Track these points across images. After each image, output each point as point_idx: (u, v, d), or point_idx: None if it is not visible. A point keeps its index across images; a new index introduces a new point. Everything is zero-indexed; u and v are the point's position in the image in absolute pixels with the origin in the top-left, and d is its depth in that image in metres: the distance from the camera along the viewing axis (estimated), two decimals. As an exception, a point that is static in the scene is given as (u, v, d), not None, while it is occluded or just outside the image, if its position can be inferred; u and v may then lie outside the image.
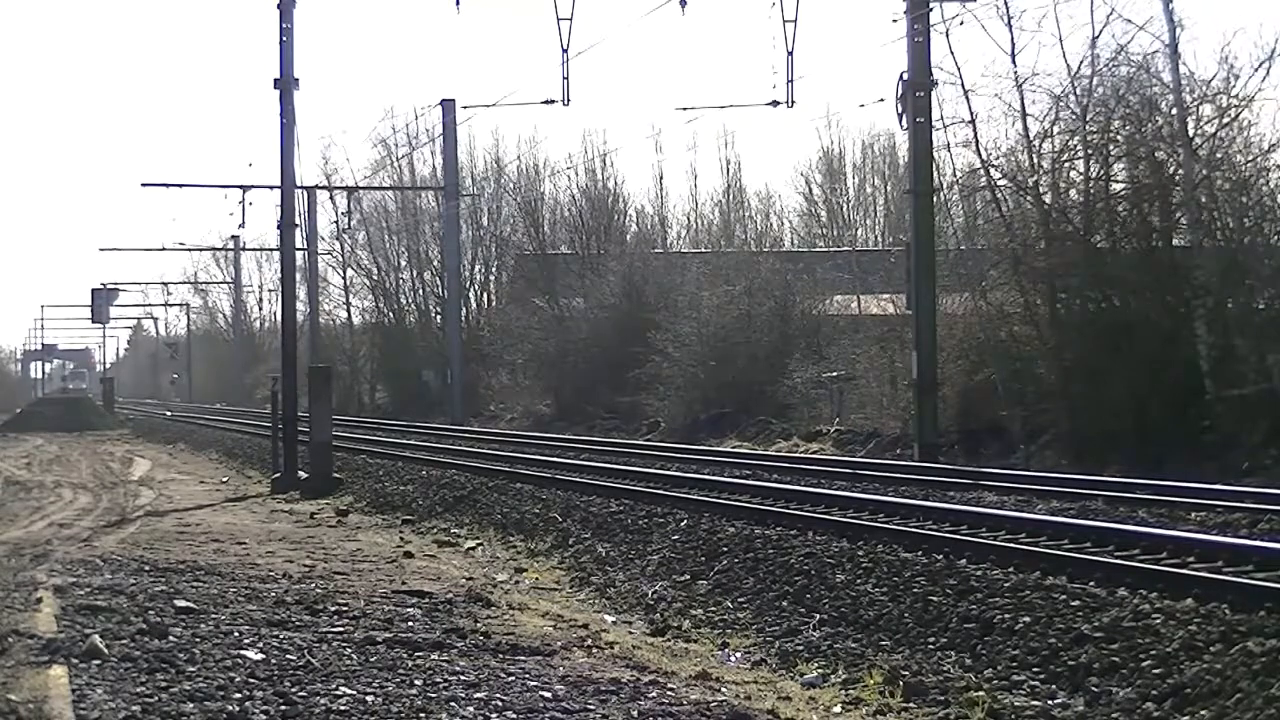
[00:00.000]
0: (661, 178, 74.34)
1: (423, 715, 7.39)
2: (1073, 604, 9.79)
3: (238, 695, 7.49)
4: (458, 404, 46.69)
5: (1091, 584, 10.24)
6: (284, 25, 25.97)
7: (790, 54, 25.90)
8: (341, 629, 9.91)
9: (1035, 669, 9.07)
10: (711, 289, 37.27)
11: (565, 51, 28.13)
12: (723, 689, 8.95)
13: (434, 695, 7.85)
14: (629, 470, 22.02)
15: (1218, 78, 22.35)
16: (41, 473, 30.65)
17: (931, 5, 24.01)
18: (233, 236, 73.54)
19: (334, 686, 7.88)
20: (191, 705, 7.21)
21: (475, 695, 7.92)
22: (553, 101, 31.34)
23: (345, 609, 10.87)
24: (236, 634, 9.38)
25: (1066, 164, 23.96)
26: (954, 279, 27.07)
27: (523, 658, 9.28)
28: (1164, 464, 19.46)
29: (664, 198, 60.71)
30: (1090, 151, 23.43)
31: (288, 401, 26.19)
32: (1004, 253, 25.13)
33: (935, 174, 25.47)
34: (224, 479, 28.69)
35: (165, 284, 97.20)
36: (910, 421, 24.95)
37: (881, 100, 29.90)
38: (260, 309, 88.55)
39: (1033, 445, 23.23)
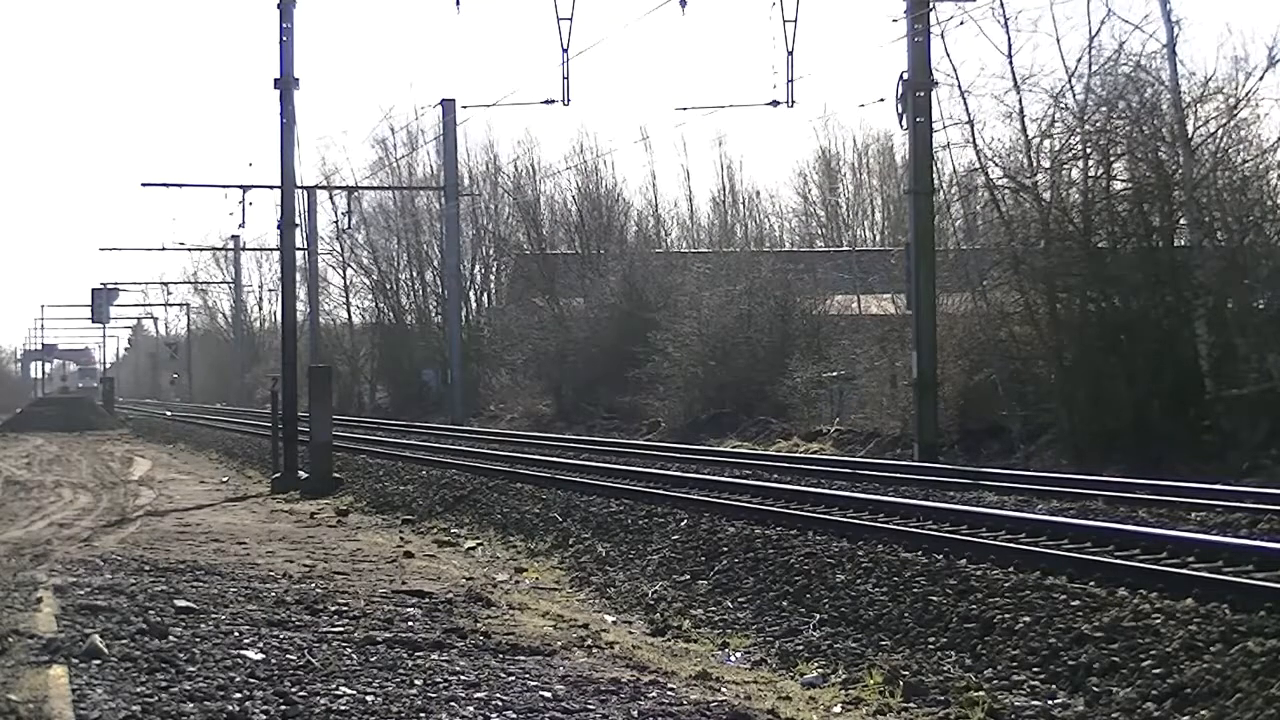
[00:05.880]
0: (657, 178, 74.45)
1: (423, 715, 7.39)
2: (1073, 604, 9.78)
3: (238, 695, 7.49)
4: (458, 404, 46.68)
5: (1091, 584, 10.23)
6: (284, 25, 25.98)
7: (790, 54, 25.96)
8: (341, 629, 9.91)
9: (1035, 669, 9.07)
10: (712, 289, 37.28)
11: (565, 51, 28.20)
12: (723, 689, 8.95)
13: (434, 695, 7.85)
14: (629, 470, 22.01)
15: (1221, 76, 22.41)
16: (41, 472, 30.64)
17: (931, 5, 24.00)
18: (233, 236, 73.66)
19: (334, 686, 7.88)
20: (191, 705, 7.20)
21: (475, 695, 7.92)
22: (553, 101, 31.46)
23: (345, 609, 10.87)
24: (236, 634, 9.38)
25: (1066, 164, 23.98)
26: (954, 279, 27.07)
27: (523, 658, 9.28)
28: (1164, 464, 19.44)
29: (657, 198, 60.78)
30: (1089, 151, 23.43)
31: (288, 401, 26.20)
32: (1004, 253, 25.13)
33: (935, 174, 25.47)
34: (224, 479, 28.68)
35: (165, 284, 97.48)
36: (910, 421, 24.94)
37: (881, 100, 30.01)
38: (260, 309, 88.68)
39: (1033, 445, 23.23)
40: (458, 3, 27.80)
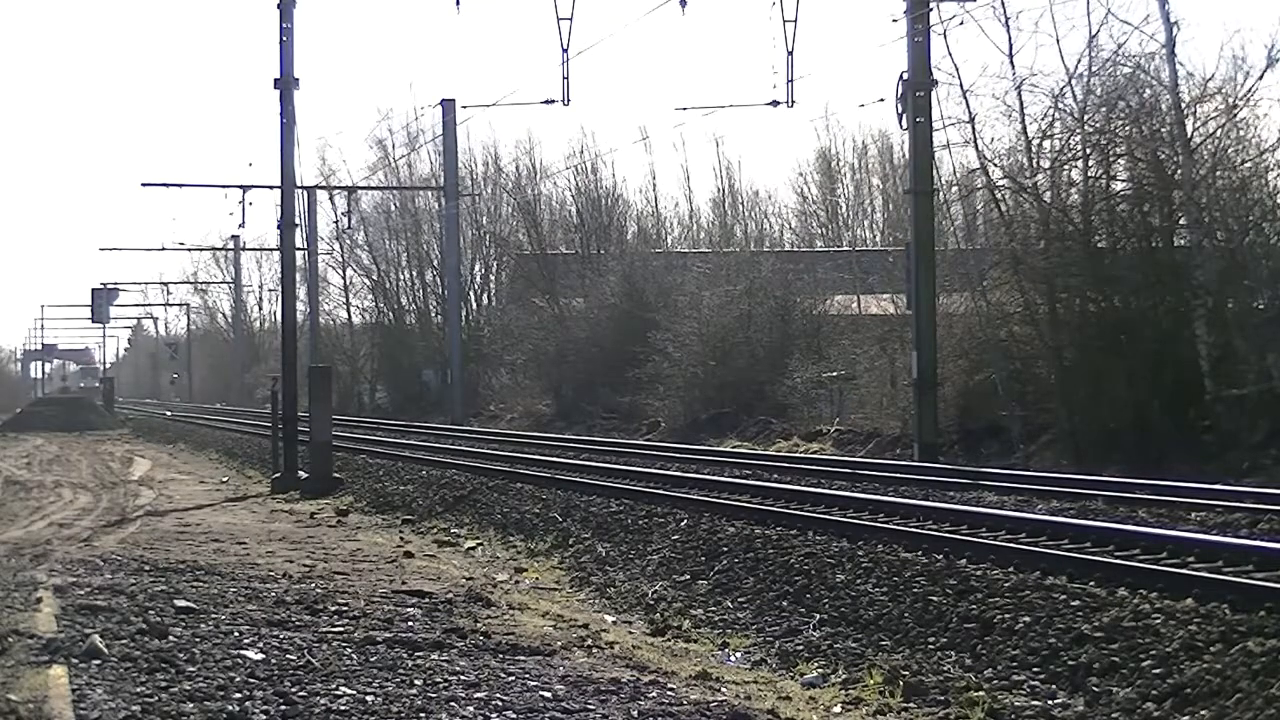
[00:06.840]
0: (657, 178, 74.42)
1: (423, 715, 7.39)
2: (1073, 604, 9.78)
3: (238, 695, 7.49)
4: (458, 404, 46.69)
5: (1091, 584, 10.23)
6: (284, 25, 25.98)
7: (790, 54, 25.95)
8: (341, 629, 9.91)
9: (1035, 669, 9.07)
10: (712, 289, 37.29)
11: (565, 51, 28.20)
12: (723, 689, 8.95)
13: (434, 695, 7.85)
14: (629, 470, 22.01)
15: (1220, 77, 22.41)
16: (41, 472, 30.64)
17: (931, 5, 24.00)
18: (233, 236, 73.69)
19: (334, 686, 7.88)
20: (191, 705, 7.20)
21: (475, 695, 7.92)
22: (553, 101, 31.48)
23: (345, 609, 10.87)
24: (236, 634, 9.38)
25: (1066, 164, 23.98)
26: (954, 279, 27.08)
27: (523, 658, 9.28)
28: (1164, 464, 19.45)
29: (657, 198, 60.77)
30: (1089, 151, 23.44)
31: (288, 401, 26.20)
32: (1004, 253, 25.14)
33: (935, 174, 25.47)
34: (224, 479, 28.68)
35: (165, 284, 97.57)
36: (910, 421, 24.94)
37: (881, 100, 29.99)
38: (260, 309, 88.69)
39: (1033, 445, 23.24)
40: (458, 3, 27.84)
